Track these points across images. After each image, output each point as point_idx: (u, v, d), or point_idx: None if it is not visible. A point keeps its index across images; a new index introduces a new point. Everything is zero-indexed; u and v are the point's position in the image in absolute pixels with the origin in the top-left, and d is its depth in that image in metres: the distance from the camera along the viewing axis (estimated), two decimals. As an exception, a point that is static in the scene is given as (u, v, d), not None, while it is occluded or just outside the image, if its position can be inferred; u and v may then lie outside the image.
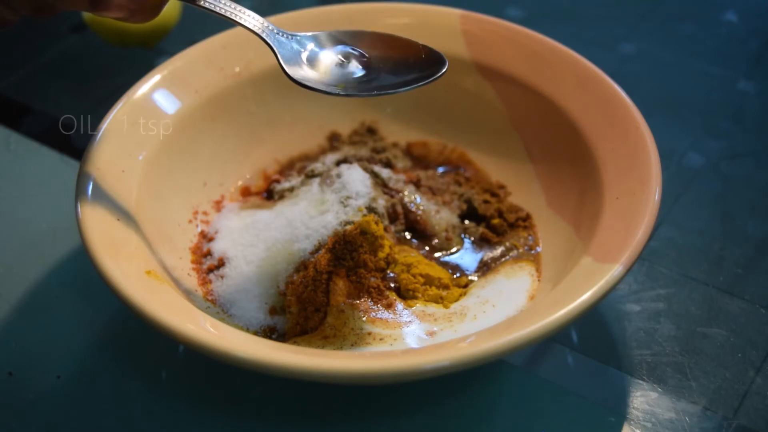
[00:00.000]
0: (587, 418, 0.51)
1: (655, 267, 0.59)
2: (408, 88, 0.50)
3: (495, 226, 0.59)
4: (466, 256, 0.58)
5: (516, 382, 0.52)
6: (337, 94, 0.50)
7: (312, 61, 0.51)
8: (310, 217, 0.56)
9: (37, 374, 0.54)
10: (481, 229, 0.59)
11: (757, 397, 0.52)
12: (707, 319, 0.56)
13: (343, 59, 0.51)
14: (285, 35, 0.51)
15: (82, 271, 0.59)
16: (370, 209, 0.57)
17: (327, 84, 0.50)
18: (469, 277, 0.57)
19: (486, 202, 0.61)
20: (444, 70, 0.50)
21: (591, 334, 0.55)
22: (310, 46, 0.52)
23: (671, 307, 0.57)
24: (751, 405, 0.51)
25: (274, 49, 0.51)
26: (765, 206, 0.64)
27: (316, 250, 0.54)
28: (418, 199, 0.60)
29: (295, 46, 0.51)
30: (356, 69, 0.51)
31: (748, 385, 0.52)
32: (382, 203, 0.58)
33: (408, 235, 0.59)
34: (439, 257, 0.58)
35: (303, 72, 0.51)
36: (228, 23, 0.64)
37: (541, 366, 0.54)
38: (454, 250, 0.59)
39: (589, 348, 0.55)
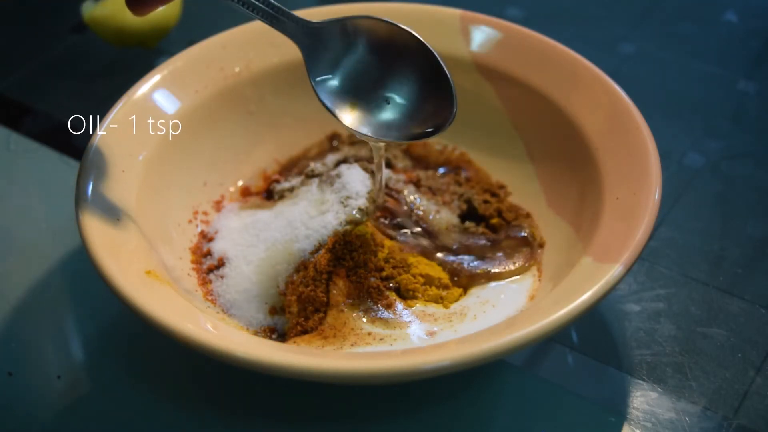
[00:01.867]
0: (587, 418, 0.51)
1: (655, 267, 0.59)
2: (418, 139, 0.52)
3: (495, 226, 0.59)
4: (466, 257, 0.58)
5: (516, 382, 0.52)
6: (358, 132, 0.51)
7: (337, 74, 0.52)
8: (310, 217, 0.56)
9: (37, 374, 0.54)
10: (481, 229, 0.59)
11: (757, 397, 0.52)
12: (707, 319, 0.56)
13: (364, 73, 0.52)
14: (314, 38, 0.51)
15: (82, 271, 0.59)
16: (367, 212, 0.56)
17: (351, 120, 0.52)
18: (469, 277, 0.57)
19: (486, 202, 0.61)
20: (452, 119, 0.51)
21: (591, 334, 0.55)
22: (336, 48, 0.52)
23: (671, 307, 0.57)
24: (751, 405, 0.51)
25: (308, 68, 0.51)
26: (765, 206, 0.64)
27: (316, 250, 0.54)
28: (418, 200, 0.60)
29: (324, 53, 0.51)
30: (375, 92, 0.52)
31: (748, 385, 0.52)
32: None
33: (407, 235, 0.59)
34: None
35: (328, 91, 0.51)
36: (228, 23, 0.64)
37: (541, 366, 0.54)
38: None
39: (589, 348, 0.55)
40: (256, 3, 0.50)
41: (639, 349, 0.54)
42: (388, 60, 0.52)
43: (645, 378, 0.53)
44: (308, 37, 0.51)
